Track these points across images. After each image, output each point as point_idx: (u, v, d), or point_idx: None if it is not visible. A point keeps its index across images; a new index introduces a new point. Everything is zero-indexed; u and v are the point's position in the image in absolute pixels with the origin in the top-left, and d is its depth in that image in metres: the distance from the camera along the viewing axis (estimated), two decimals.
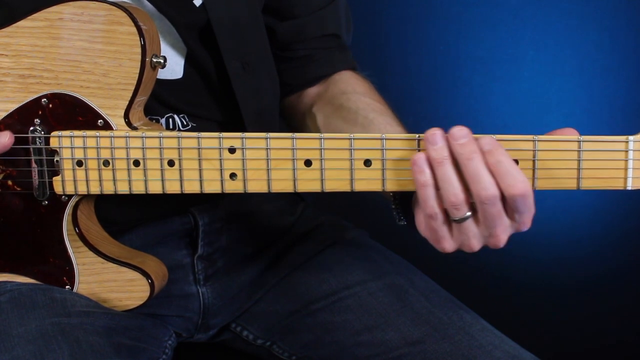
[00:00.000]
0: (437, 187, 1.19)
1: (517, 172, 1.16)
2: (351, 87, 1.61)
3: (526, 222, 1.20)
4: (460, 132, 1.18)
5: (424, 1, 2.53)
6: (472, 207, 1.20)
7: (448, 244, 1.23)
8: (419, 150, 1.22)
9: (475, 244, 1.22)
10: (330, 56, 1.65)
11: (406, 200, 1.33)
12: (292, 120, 1.69)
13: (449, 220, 1.21)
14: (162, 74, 1.40)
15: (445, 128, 1.20)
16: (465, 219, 1.20)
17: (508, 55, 2.55)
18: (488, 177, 1.16)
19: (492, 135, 1.19)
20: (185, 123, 1.48)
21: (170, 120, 1.47)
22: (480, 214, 1.19)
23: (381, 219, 2.18)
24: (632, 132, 1.19)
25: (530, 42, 2.54)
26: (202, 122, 1.49)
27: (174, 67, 1.45)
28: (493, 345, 1.43)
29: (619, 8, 2.51)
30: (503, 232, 1.20)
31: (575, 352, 2.62)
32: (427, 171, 1.19)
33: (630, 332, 2.63)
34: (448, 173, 1.18)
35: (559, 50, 2.53)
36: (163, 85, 1.41)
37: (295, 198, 1.71)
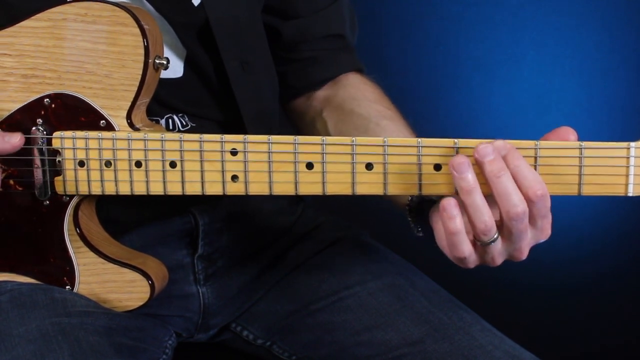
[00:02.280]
0: (467, 230, 1.19)
1: (534, 174, 1.17)
2: (361, 93, 1.60)
3: (546, 229, 1.21)
4: (486, 149, 1.17)
5: (424, 1, 2.53)
6: (498, 227, 1.20)
7: (472, 265, 1.24)
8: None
9: (499, 260, 1.23)
10: (335, 57, 1.65)
11: (421, 211, 1.34)
12: (301, 123, 1.68)
13: (475, 244, 1.22)
14: (162, 74, 1.40)
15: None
16: (493, 241, 1.20)
17: (508, 55, 2.55)
18: (517, 194, 1.17)
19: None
20: (184, 123, 1.48)
21: (170, 120, 1.47)
22: (506, 231, 1.19)
23: (381, 219, 2.18)
24: (632, 133, 1.20)
25: (530, 42, 2.54)
26: (201, 122, 1.49)
27: (173, 67, 1.44)
28: (493, 345, 1.43)
29: (619, 8, 2.51)
30: (527, 245, 1.21)
31: (575, 352, 2.62)
32: (458, 217, 1.18)
33: (631, 332, 2.63)
34: (477, 201, 1.17)
35: (559, 50, 2.53)
36: (162, 85, 1.40)
37: (295, 198, 1.71)
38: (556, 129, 1.22)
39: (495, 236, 1.19)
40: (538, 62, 2.55)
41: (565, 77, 2.55)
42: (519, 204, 1.16)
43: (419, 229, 1.37)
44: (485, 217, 1.17)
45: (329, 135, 1.56)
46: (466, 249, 1.20)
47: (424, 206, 1.33)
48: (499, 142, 1.18)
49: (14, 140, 1.31)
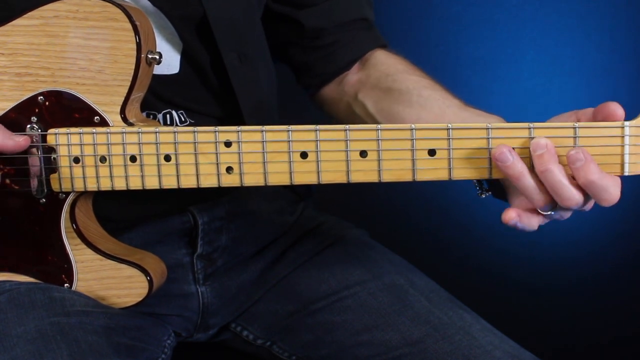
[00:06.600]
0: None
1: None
2: (393, 67, 1.59)
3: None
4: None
5: (424, 1, 2.53)
6: None
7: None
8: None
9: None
10: (358, 37, 1.64)
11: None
12: (335, 111, 1.67)
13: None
14: (159, 69, 1.40)
15: None
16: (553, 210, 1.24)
17: (508, 55, 2.54)
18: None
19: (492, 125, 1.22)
20: (183, 119, 1.48)
21: (168, 115, 1.47)
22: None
23: (381, 219, 2.18)
24: None
25: (530, 42, 2.53)
26: (200, 118, 1.49)
27: (170, 61, 1.45)
28: (493, 345, 1.43)
29: (619, 8, 2.50)
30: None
31: (575, 352, 2.61)
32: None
33: (630, 332, 2.62)
34: (529, 183, 1.21)
35: (559, 50, 2.52)
36: (160, 80, 1.41)
37: (295, 198, 1.71)
38: (603, 104, 1.21)
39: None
40: (538, 62, 2.54)
41: (565, 77, 2.54)
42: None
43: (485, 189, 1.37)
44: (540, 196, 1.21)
45: (370, 117, 1.56)
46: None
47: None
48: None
49: (18, 139, 1.31)
